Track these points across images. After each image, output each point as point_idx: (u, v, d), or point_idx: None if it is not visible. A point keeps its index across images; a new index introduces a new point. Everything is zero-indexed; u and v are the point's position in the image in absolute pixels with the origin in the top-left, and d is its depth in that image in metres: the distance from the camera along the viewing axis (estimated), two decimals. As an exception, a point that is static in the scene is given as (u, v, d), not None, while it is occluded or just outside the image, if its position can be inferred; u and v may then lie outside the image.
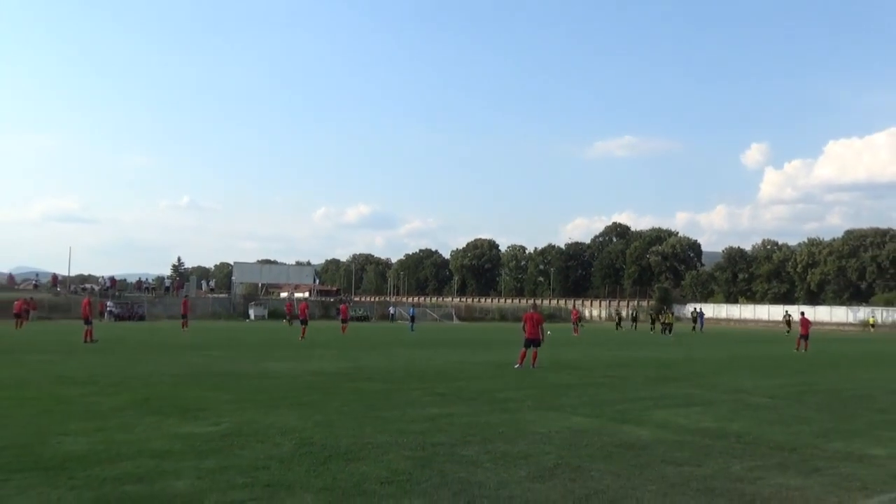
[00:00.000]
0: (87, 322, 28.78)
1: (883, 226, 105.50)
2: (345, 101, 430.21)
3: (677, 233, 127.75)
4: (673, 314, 57.88)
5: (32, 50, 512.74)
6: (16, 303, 44.31)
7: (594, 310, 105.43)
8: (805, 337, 32.12)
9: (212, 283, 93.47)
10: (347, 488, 6.71)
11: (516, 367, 19.80)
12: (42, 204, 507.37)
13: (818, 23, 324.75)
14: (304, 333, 33.78)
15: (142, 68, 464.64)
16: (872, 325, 74.86)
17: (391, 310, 77.23)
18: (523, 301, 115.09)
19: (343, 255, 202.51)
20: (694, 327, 60.61)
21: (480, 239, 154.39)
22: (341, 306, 47.61)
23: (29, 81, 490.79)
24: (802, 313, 37.45)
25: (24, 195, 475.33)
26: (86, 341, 27.23)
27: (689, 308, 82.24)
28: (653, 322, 61.15)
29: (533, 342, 20.11)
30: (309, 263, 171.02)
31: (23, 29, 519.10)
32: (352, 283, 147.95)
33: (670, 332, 49.90)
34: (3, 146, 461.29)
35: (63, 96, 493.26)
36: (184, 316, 41.28)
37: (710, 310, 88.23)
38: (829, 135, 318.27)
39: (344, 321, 41.85)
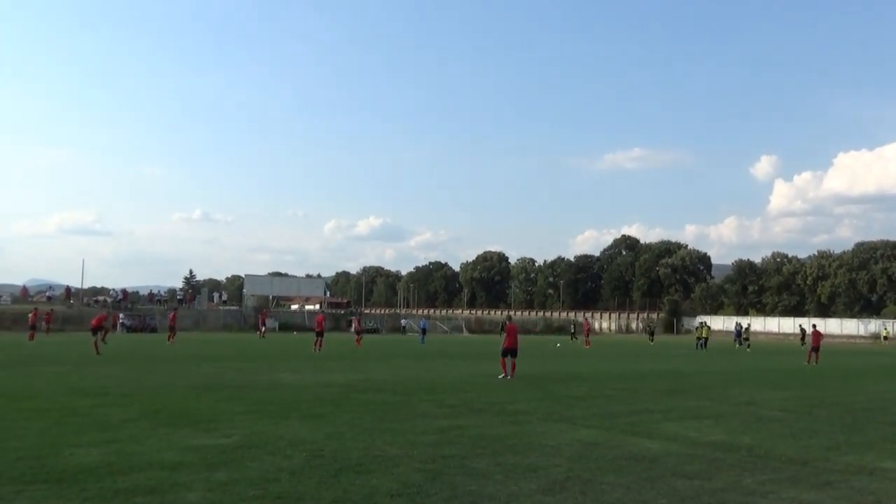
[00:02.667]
0: (95, 332, 28.93)
1: (893, 238, 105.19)
2: (356, 114, 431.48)
3: (687, 245, 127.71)
4: (709, 328, 52.68)
5: (45, 65, 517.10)
6: (29, 315, 44.36)
7: (604, 322, 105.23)
8: (816, 349, 32.00)
9: (224, 296, 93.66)
10: (358, 501, 6.72)
11: (501, 377, 20.28)
12: (56, 217, 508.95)
13: (828, 35, 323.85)
14: (320, 345, 33.80)
15: (154, 82, 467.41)
16: (886, 338, 74.33)
17: (403, 322, 77.26)
18: (533, 314, 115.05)
19: (353, 268, 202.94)
20: (740, 342, 56.48)
21: (490, 251, 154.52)
22: (355, 318, 48.77)
23: (43, 96, 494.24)
24: (814, 326, 37.18)
25: (39, 208, 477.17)
26: (97, 353, 27.45)
27: (734, 322, 77.23)
28: (651, 334, 61.58)
29: (511, 352, 20.64)
30: (319, 276, 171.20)
31: (36, 44, 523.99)
32: (362, 295, 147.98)
33: (704, 345, 46.98)
34: (18, 160, 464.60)
35: (76, 110, 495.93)
36: (171, 328, 41.53)
37: (720, 322, 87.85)
38: (839, 147, 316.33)
39: (358, 333, 43.50)
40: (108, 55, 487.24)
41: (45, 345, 35.78)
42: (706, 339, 48.23)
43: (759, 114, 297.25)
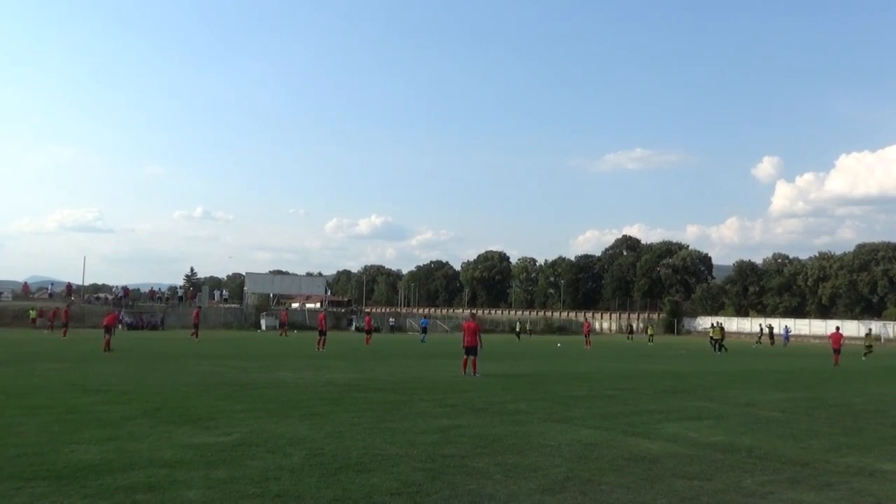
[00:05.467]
0: (107, 330, 29.23)
1: (895, 240, 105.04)
2: (357, 113, 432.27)
3: (688, 246, 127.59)
4: (723, 329, 47.38)
5: (48, 63, 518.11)
6: (62, 312, 45.16)
7: (605, 322, 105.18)
8: (837, 351, 32.13)
9: (224, 294, 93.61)
10: (358, 499, 6.72)
11: (462, 374, 20.54)
12: (58, 214, 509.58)
13: (831, 37, 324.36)
14: (322, 344, 33.79)
15: (157, 81, 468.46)
16: None
17: (391, 320, 77.04)
18: (534, 313, 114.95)
19: (354, 267, 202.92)
20: (773, 342, 56.13)
21: (491, 251, 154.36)
22: (366, 317, 48.63)
23: (45, 94, 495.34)
24: (837, 328, 36.84)
25: (41, 205, 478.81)
26: (105, 350, 27.68)
27: (774, 323, 74.54)
28: (630, 332, 60.86)
29: (470, 350, 20.82)
30: (320, 274, 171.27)
31: (39, 43, 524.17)
32: (363, 294, 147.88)
33: (719, 348, 42.88)
34: (21, 158, 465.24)
35: (79, 108, 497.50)
36: (195, 325, 41.79)
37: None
38: (841, 148, 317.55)
39: (368, 332, 43.10)
40: (110, 54, 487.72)
41: (46, 342, 35.81)
42: (720, 339, 44.08)
43: (762, 115, 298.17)
